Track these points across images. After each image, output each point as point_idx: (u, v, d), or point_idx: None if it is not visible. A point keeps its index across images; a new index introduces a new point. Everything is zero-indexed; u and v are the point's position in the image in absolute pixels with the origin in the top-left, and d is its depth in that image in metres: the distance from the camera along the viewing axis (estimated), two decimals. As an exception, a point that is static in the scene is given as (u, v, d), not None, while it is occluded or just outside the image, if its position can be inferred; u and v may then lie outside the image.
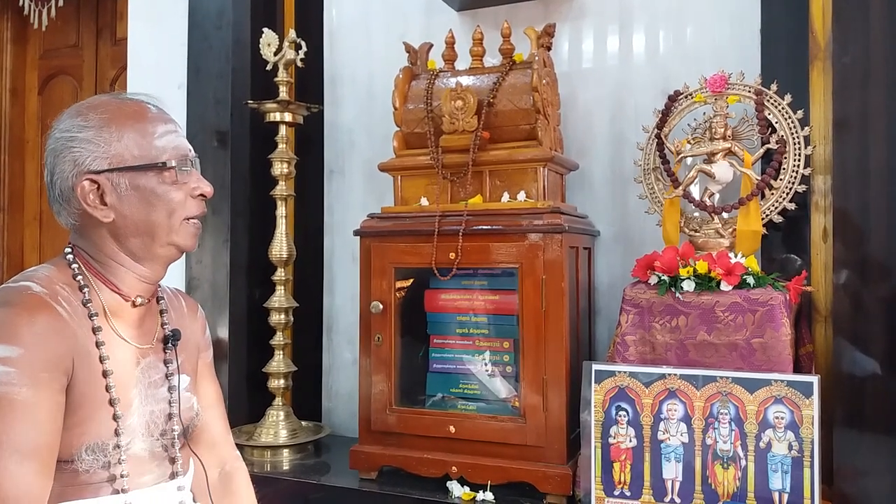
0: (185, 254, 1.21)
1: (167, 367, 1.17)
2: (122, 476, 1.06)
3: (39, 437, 0.97)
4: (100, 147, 1.07)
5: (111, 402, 1.06)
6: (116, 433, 1.06)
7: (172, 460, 1.17)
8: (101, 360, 1.06)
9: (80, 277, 1.09)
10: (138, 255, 1.12)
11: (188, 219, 1.14)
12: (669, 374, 1.62)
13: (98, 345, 1.06)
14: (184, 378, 1.20)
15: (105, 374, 1.06)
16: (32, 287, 1.03)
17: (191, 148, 1.16)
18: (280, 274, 2.28)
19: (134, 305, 1.14)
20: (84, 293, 1.08)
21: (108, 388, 1.06)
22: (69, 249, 1.13)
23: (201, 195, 1.15)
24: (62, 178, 1.08)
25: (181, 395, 1.18)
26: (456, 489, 1.82)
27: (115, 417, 1.06)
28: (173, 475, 1.16)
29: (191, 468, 1.22)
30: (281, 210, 2.29)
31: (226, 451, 1.34)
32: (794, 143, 1.80)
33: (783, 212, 1.81)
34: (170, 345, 1.18)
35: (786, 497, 1.51)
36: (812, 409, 1.51)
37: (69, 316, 1.04)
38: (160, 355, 1.17)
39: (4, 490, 0.93)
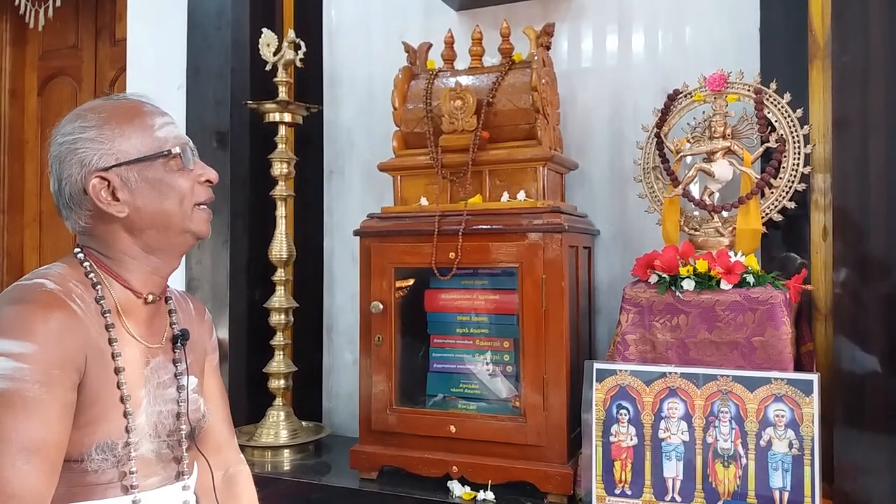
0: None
1: (176, 368, 1.17)
2: (130, 474, 1.06)
3: (49, 434, 0.97)
4: (104, 144, 1.08)
5: (122, 400, 1.06)
6: (127, 431, 1.06)
7: (178, 461, 1.17)
8: (114, 357, 1.06)
9: (92, 275, 1.10)
10: (154, 247, 1.13)
11: (198, 205, 1.15)
12: (670, 373, 1.62)
13: (110, 342, 1.06)
14: (192, 379, 1.20)
15: (117, 372, 1.06)
16: (47, 284, 1.04)
17: (189, 139, 1.17)
18: (280, 274, 2.28)
19: (146, 302, 1.14)
20: (97, 290, 1.08)
21: (119, 386, 1.06)
22: (79, 249, 1.13)
23: (207, 181, 1.16)
24: (71, 182, 1.08)
25: (189, 396, 1.18)
26: (456, 489, 1.82)
27: (125, 415, 1.06)
28: (179, 476, 1.16)
29: (195, 469, 1.22)
30: (280, 210, 2.29)
31: (230, 454, 1.34)
32: (794, 142, 1.80)
33: (783, 210, 1.81)
34: (179, 345, 1.18)
35: (786, 495, 1.51)
36: (812, 407, 1.51)
37: (83, 313, 1.04)
38: (169, 355, 1.18)
39: (10, 486, 0.93)
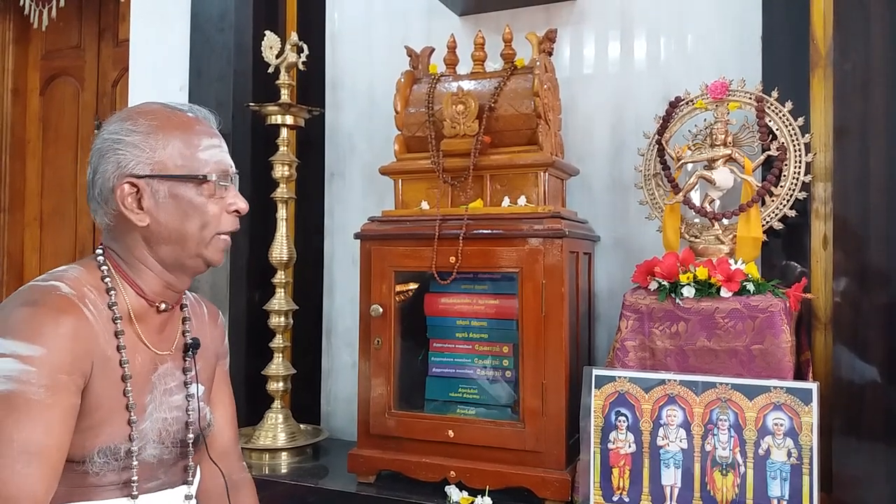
0: (196, 276, 1.20)
1: (185, 375, 1.17)
2: (131, 481, 1.06)
3: (50, 439, 0.97)
4: (144, 152, 1.09)
5: (127, 408, 1.06)
6: (130, 438, 1.06)
7: (183, 468, 1.17)
8: (121, 364, 1.06)
9: (108, 280, 1.10)
10: (167, 263, 1.13)
11: (220, 234, 1.14)
12: (669, 380, 1.62)
13: (119, 349, 1.07)
14: (199, 387, 1.20)
15: (123, 379, 1.06)
16: (61, 288, 1.04)
17: (232, 164, 1.17)
18: (280, 276, 2.28)
19: (158, 311, 1.14)
20: (111, 296, 1.09)
21: (125, 393, 1.06)
22: (101, 251, 1.14)
23: (236, 211, 1.15)
24: (104, 178, 1.09)
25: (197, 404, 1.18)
26: (454, 494, 1.82)
27: (129, 422, 1.06)
28: (182, 483, 1.16)
29: (198, 476, 1.22)
30: (281, 212, 2.29)
31: (233, 460, 1.33)
32: (795, 150, 1.80)
33: (783, 219, 1.81)
34: (189, 353, 1.18)
35: (784, 504, 1.51)
36: (811, 416, 1.51)
37: (94, 319, 1.04)
38: (178, 363, 1.17)
39: (8, 489, 0.93)
